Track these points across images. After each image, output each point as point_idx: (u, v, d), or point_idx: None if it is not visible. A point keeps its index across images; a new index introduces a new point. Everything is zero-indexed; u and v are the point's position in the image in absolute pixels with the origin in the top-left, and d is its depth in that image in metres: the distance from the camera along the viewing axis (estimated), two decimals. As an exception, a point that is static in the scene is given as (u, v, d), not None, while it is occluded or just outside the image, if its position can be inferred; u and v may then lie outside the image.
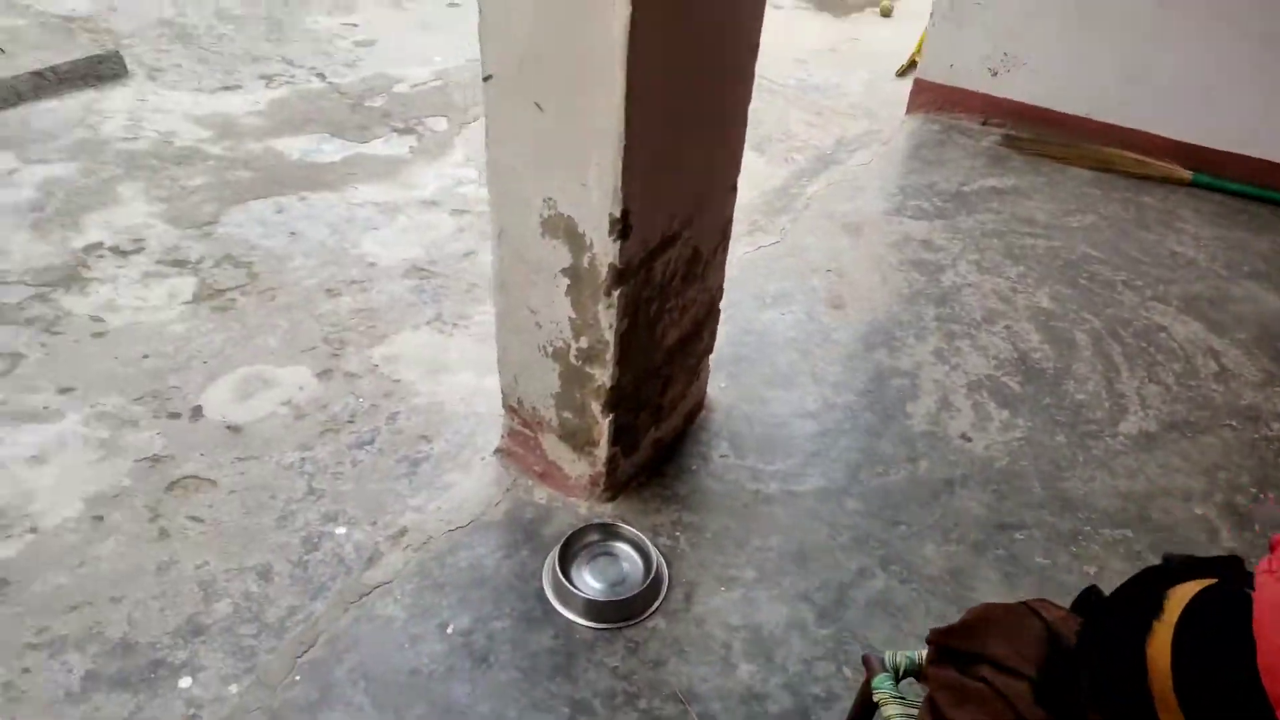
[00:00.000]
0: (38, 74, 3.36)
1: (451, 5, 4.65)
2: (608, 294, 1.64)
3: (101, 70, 3.53)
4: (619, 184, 1.49)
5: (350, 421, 2.19)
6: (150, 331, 2.40)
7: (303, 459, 2.07)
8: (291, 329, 2.46)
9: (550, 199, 1.61)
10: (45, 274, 2.57)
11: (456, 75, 3.98)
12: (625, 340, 1.72)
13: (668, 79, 1.49)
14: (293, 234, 2.85)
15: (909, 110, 3.80)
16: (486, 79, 1.57)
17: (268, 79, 3.78)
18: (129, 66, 3.66)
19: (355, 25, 4.32)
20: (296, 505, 1.96)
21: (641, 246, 1.64)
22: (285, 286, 2.62)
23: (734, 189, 1.93)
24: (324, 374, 2.32)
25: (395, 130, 3.52)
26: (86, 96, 3.46)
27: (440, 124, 3.60)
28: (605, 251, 1.58)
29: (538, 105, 1.52)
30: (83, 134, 3.24)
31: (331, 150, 3.34)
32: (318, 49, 4.07)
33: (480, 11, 1.51)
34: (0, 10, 3.78)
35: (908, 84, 4.09)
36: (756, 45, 1.76)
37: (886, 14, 4.98)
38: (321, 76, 3.85)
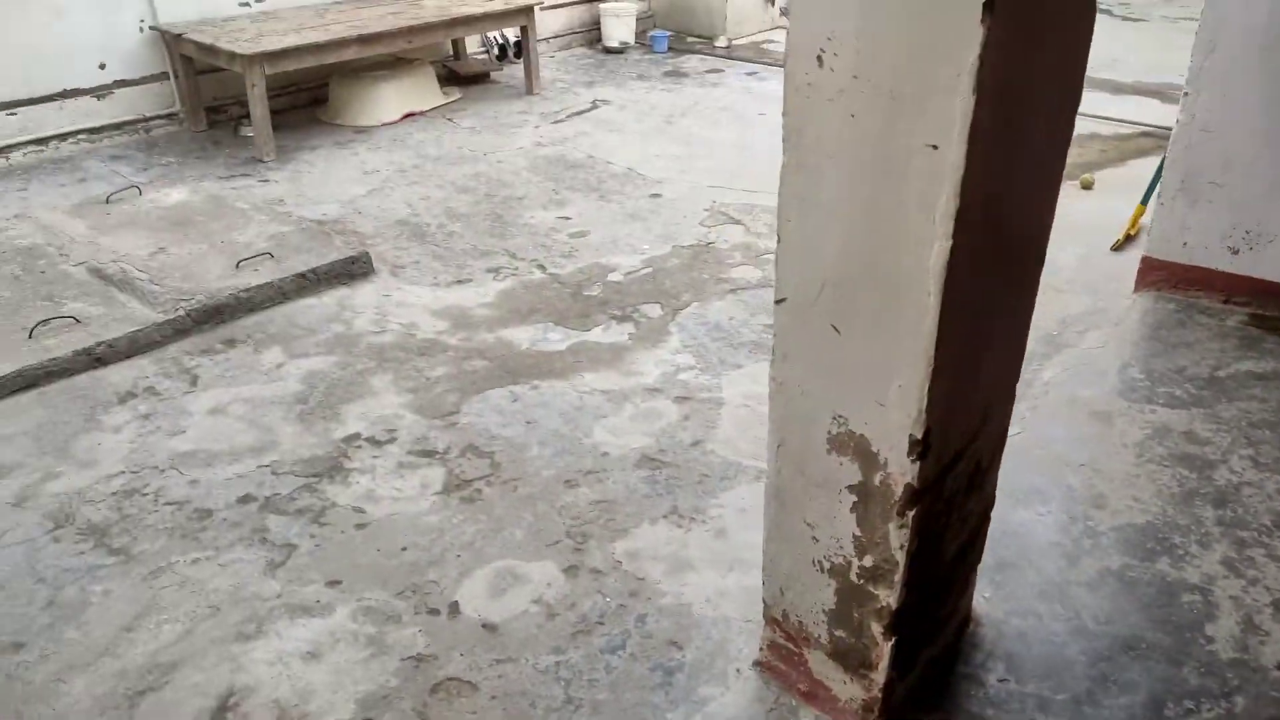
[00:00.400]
0: (301, 275, 3.74)
1: (654, 196, 4.91)
2: (900, 514, 1.57)
3: (353, 269, 3.89)
4: (923, 405, 1.45)
5: (600, 623, 2.17)
6: (407, 523, 2.50)
7: (557, 663, 2.05)
8: (535, 521, 2.51)
9: (841, 416, 1.58)
10: (312, 464, 2.75)
11: (664, 263, 4.14)
12: (914, 559, 1.63)
13: (974, 297, 1.46)
14: (529, 423, 2.96)
15: (1137, 288, 3.64)
16: (779, 302, 1.59)
17: (494, 271, 4.06)
18: (375, 264, 4.02)
19: (569, 218, 4.62)
20: (556, 715, 1.92)
21: (936, 464, 1.58)
22: (526, 477, 2.70)
23: (1014, 395, 1.86)
24: (570, 570, 2.33)
25: (614, 318, 3.66)
26: (340, 293, 3.81)
27: (654, 310, 3.72)
28: (902, 471, 1.53)
29: (834, 328, 1.52)
30: (338, 329, 3.55)
31: (557, 339, 3.51)
32: (537, 242, 4.36)
33: (780, 240, 1.55)
34: (271, 219, 4.27)
35: (1125, 259, 3.94)
36: (1044, 253, 1.73)
37: (1087, 186, 4.89)
38: (542, 268, 4.10)
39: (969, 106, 1.22)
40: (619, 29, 7.83)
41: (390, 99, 6.00)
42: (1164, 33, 8.43)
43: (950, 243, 1.31)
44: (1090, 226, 4.44)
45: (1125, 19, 8.96)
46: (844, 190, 1.42)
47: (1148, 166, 5.17)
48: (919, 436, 1.48)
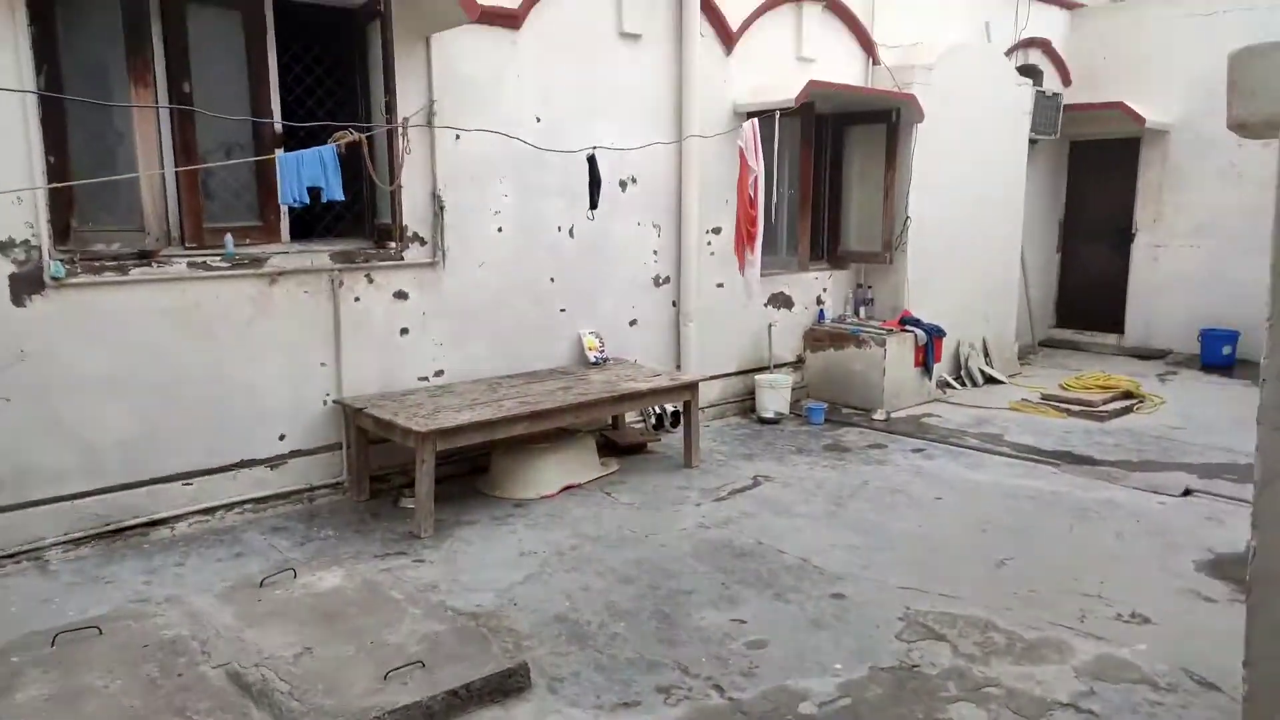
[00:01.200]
0: (453, 693, 3.30)
1: (836, 597, 4.39)
2: None
3: (508, 685, 3.44)
4: None
5: None
6: None
7: None
8: None
9: None
10: None
11: (863, 691, 3.52)
12: None
13: None
14: None
15: None
16: None
17: (665, 692, 3.52)
18: (532, 677, 3.56)
19: (743, 621, 4.12)
20: None
21: None
22: None
23: None
24: None
25: (814, 772, 3.01)
26: (493, 714, 3.33)
27: (862, 763, 3.05)
28: None
29: None
30: (489, 767, 3.02)
31: (748, 802, 2.86)
32: (710, 651, 3.84)
33: None
34: (425, 613, 3.95)
35: None
36: None
37: None
38: (720, 689, 3.54)
39: None
40: (774, 400, 7.80)
41: (551, 472, 5.91)
42: None
43: None
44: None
45: None
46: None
47: None
48: None
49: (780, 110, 7.32)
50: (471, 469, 6.21)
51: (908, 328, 8.32)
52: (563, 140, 6.50)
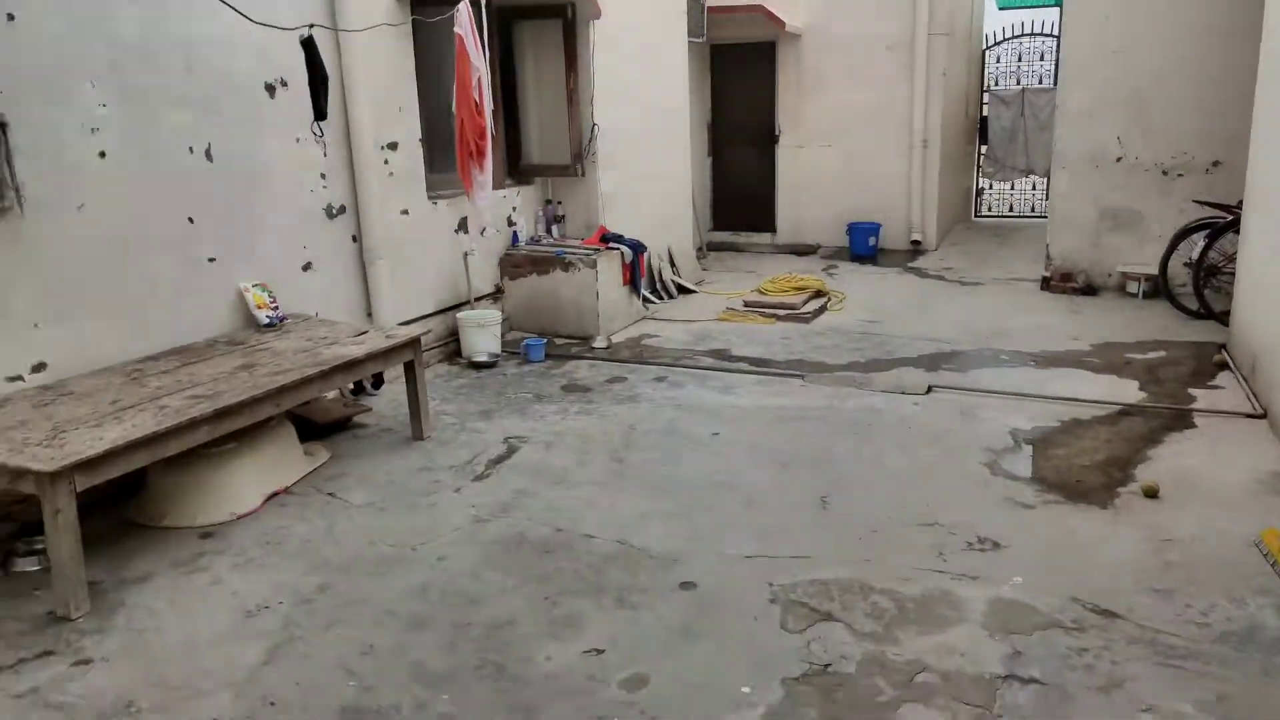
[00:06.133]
0: None
1: (685, 587, 3.61)
2: None
3: None
4: None
5: None
6: None
7: None
8: None
9: None
10: None
11: (794, 718, 2.79)
12: None
13: None
14: None
15: None
16: None
17: (562, 797, 2.49)
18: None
19: (600, 651, 3.17)
20: None
21: None
22: None
23: None
24: None
25: None
26: None
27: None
28: None
29: None
30: None
31: None
32: (583, 710, 2.86)
33: None
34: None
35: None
36: None
37: (1152, 494, 4.25)
38: (628, 769, 2.59)
39: None
40: (484, 339, 6.70)
41: (245, 479, 4.34)
42: (1010, 295, 8.68)
43: None
44: (1222, 560, 3.69)
45: (963, 284, 9.23)
46: None
47: (1172, 457, 4.70)
48: None
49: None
50: (116, 490, 4.38)
51: (612, 245, 7.61)
52: (175, 23, 4.67)
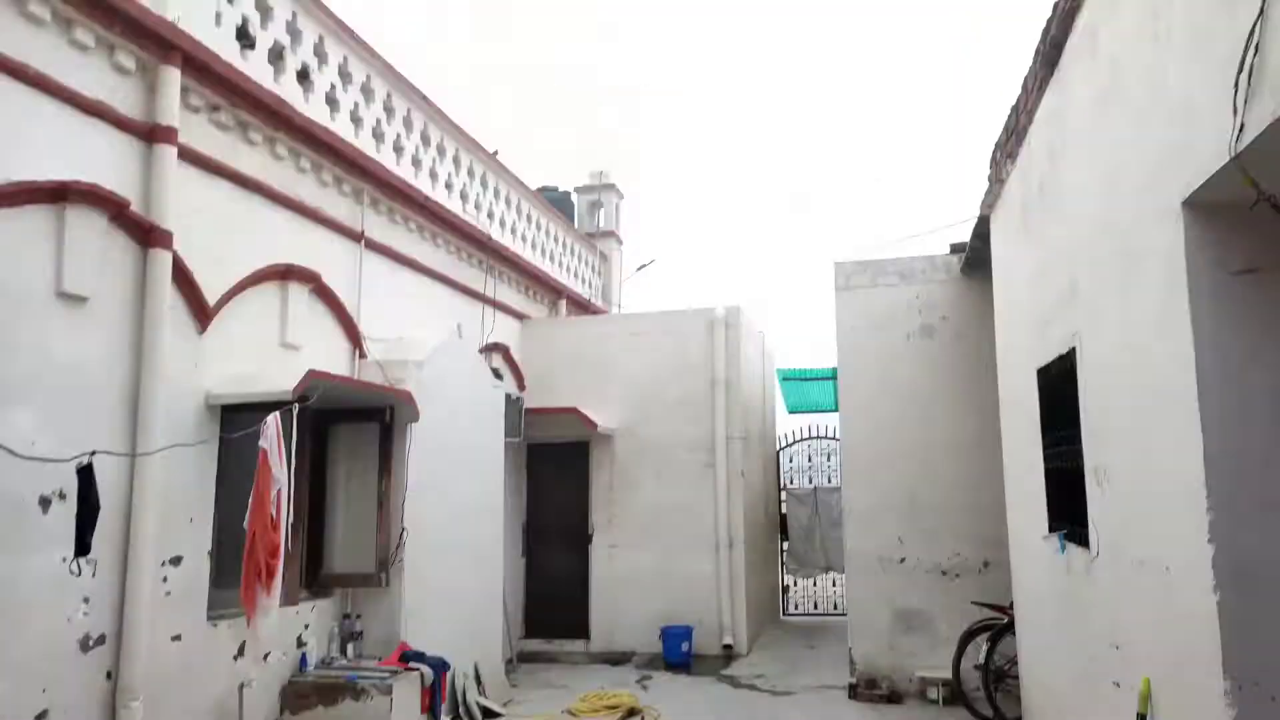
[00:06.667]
0: None
1: None
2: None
3: None
4: None
5: None
6: None
7: None
8: None
9: None
10: None
11: None
12: None
13: None
14: None
15: None
16: None
17: None
18: None
19: None
20: None
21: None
22: None
23: None
24: None
25: None
26: None
27: None
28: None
29: None
30: None
31: None
32: None
33: None
34: None
35: None
36: None
37: None
38: None
39: None
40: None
41: None
42: (820, 708, 8.51)
43: None
44: None
45: (774, 693, 8.99)
46: None
47: None
48: None
49: (278, 404, 5.86)
50: None
51: (412, 665, 6.95)
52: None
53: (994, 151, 6.77)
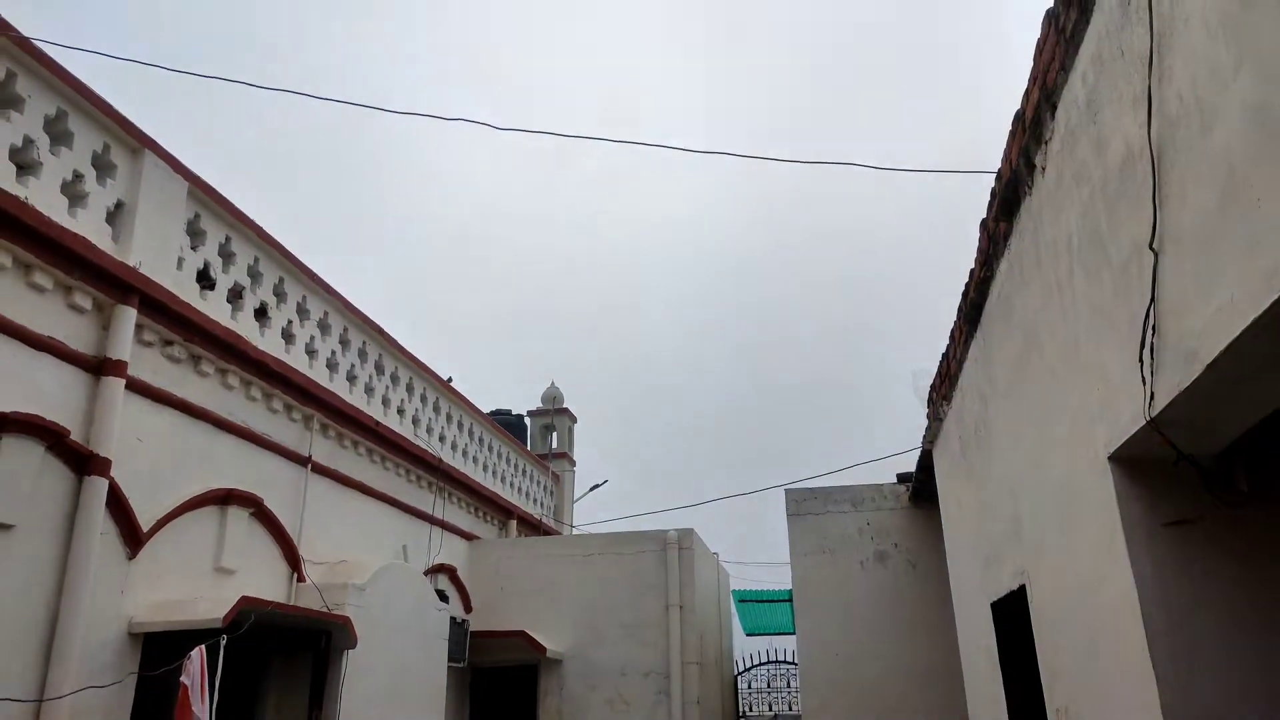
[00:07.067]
0: None
1: None
2: None
3: None
4: None
5: None
6: None
7: None
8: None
9: None
10: None
11: None
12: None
13: None
14: None
15: None
16: None
17: None
18: None
19: None
20: None
21: None
22: None
23: None
24: None
25: None
26: None
27: None
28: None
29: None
30: None
31: None
32: None
33: None
34: None
35: None
36: None
37: None
38: None
39: None
40: None
41: None
42: None
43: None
44: None
45: None
46: None
47: None
48: None
49: (206, 632, 5.54)
50: None
51: None
52: None
53: (930, 392, 7.03)
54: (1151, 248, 2.61)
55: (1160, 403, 2.70)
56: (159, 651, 5.67)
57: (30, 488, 5.00)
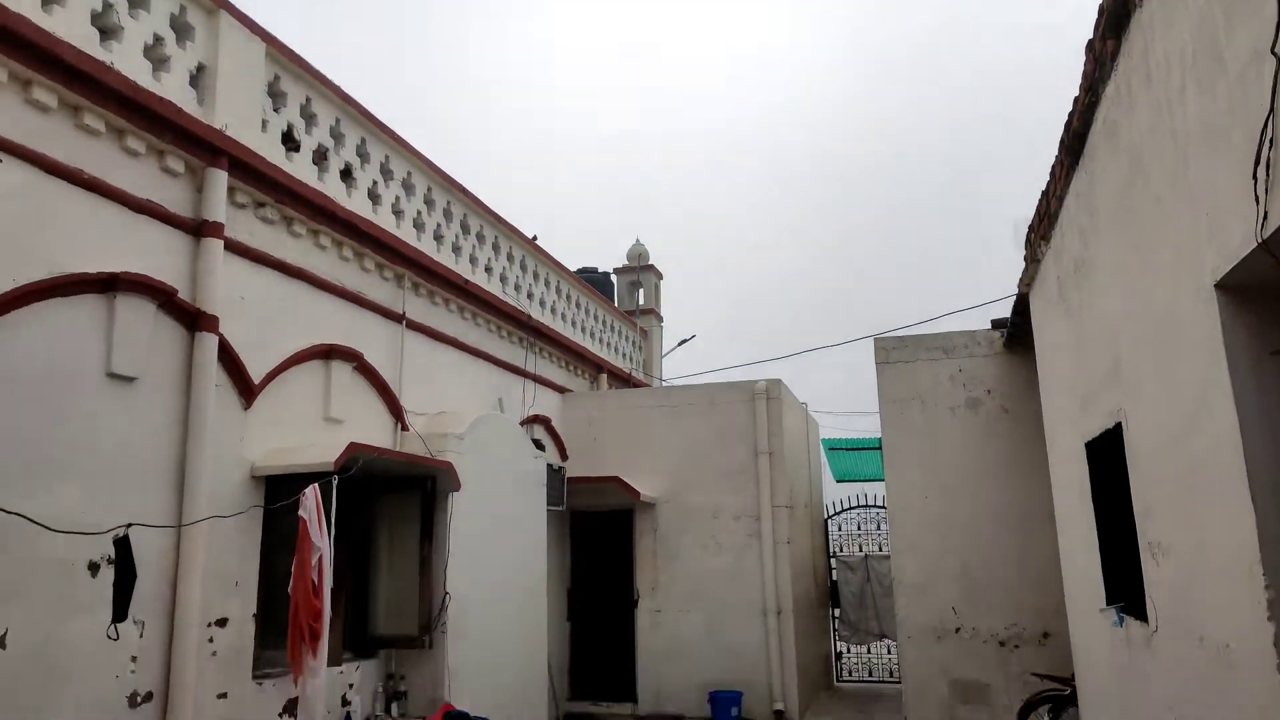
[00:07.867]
0: None
1: None
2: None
3: None
4: None
5: None
6: None
7: None
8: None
9: None
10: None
11: None
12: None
13: None
14: None
15: None
16: None
17: None
18: None
19: None
20: None
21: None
22: None
23: None
24: None
25: None
26: None
27: None
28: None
29: None
30: None
31: None
32: None
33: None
34: None
35: None
36: None
37: None
38: None
39: None
40: None
41: None
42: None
43: None
44: None
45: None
46: None
47: None
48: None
49: (320, 475, 5.95)
50: None
51: (456, 731, 6.91)
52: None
53: (1028, 233, 6.72)
54: (1274, 52, 2.37)
55: (1275, 222, 2.52)
56: (280, 492, 6.14)
57: (147, 343, 5.34)
